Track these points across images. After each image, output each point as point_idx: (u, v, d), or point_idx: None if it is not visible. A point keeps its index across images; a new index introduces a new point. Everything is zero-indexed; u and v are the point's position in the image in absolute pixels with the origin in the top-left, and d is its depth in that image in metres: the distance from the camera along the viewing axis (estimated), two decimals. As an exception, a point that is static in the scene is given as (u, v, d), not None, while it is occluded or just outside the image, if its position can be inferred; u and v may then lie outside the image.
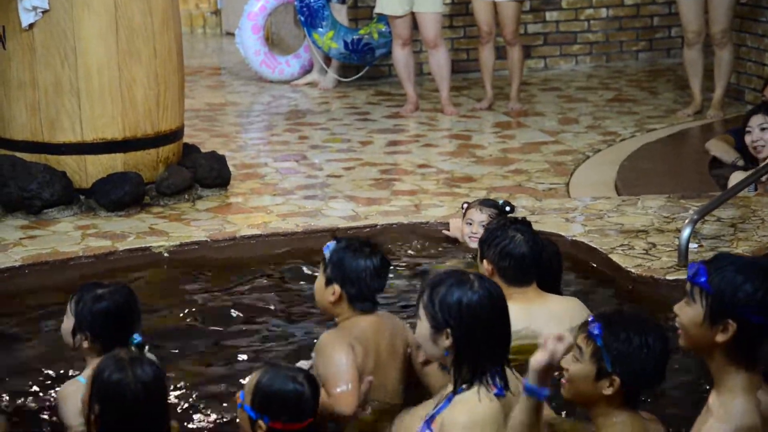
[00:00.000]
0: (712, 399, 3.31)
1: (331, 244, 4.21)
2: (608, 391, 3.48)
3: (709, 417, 3.28)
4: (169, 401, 4.23)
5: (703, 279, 3.29)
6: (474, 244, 5.70)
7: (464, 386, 3.55)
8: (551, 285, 4.79)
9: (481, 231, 5.63)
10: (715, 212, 6.12)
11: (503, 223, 4.84)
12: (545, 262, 4.76)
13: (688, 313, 3.33)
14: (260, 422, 3.43)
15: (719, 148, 7.52)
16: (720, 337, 3.25)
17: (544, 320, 4.65)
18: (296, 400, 3.41)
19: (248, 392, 3.48)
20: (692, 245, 5.56)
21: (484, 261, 4.70)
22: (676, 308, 3.38)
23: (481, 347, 3.56)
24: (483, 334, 3.56)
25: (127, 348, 3.65)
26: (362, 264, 4.10)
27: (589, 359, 3.50)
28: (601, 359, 3.49)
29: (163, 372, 3.50)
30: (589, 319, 3.57)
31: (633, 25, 11.61)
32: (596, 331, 3.51)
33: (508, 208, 5.66)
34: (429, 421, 3.57)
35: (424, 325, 3.61)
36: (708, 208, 5.84)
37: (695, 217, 5.59)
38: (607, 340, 3.49)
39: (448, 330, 3.56)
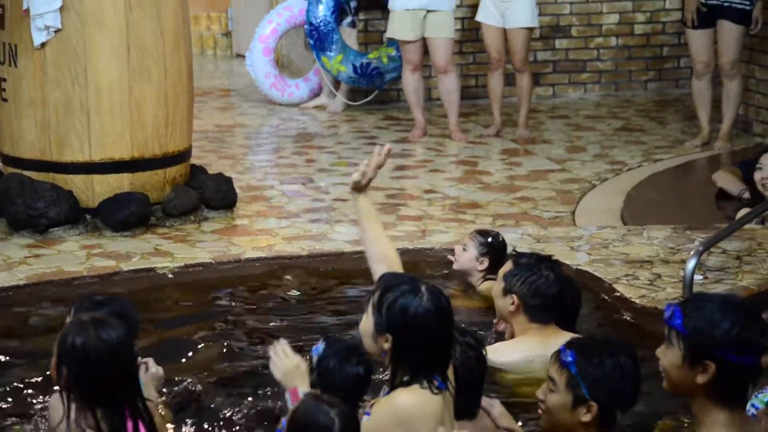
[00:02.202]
0: None
1: (320, 347, 4.14)
2: (586, 418, 3.50)
3: None
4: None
5: (678, 321, 3.28)
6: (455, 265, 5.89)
7: (405, 381, 3.58)
8: (568, 322, 4.80)
9: (463, 257, 5.79)
10: (720, 244, 6.09)
11: (534, 260, 4.86)
12: (567, 302, 4.78)
13: (668, 356, 3.32)
14: None
15: (726, 180, 7.50)
16: (700, 379, 3.24)
17: None
18: None
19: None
20: (697, 277, 5.51)
21: (513, 296, 4.72)
22: (658, 352, 3.38)
23: (419, 355, 3.58)
24: (423, 345, 3.58)
25: (90, 312, 3.66)
26: (348, 373, 4.01)
27: (564, 389, 3.52)
28: (577, 387, 3.50)
29: (128, 332, 3.49)
30: (560, 348, 3.59)
31: (642, 54, 11.61)
32: (569, 359, 3.53)
33: (488, 240, 5.77)
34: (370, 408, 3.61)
35: (368, 322, 3.65)
36: (714, 240, 5.81)
37: (701, 248, 5.55)
38: (581, 366, 3.51)
39: (389, 335, 3.59)
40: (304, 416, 3.38)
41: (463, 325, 4.62)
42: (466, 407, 3.83)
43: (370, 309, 3.67)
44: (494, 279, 5.12)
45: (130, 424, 3.42)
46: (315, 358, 4.09)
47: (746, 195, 7.20)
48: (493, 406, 4.11)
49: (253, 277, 6.23)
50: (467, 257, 5.80)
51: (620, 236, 6.63)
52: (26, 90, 6.78)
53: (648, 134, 9.75)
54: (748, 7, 8.75)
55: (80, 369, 3.38)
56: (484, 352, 4.10)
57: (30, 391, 4.77)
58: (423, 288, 3.64)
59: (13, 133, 6.91)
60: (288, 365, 3.68)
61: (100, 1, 6.66)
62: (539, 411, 3.62)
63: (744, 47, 9.09)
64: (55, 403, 3.98)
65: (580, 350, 3.55)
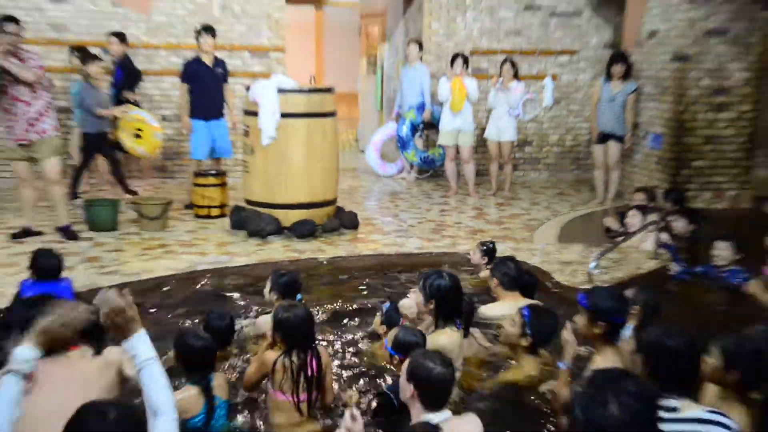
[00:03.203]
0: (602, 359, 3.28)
1: (388, 304, 4.01)
2: (525, 343, 3.52)
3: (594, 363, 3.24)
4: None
5: (584, 302, 3.27)
6: (472, 261, 5.77)
7: (441, 325, 3.58)
8: (530, 294, 4.78)
9: (474, 257, 5.72)
10: (608, 255, 6.07)
11: (504, 258, 4.86)
12: (528, 284, 4.74)
13: (579, 320, 3.30)
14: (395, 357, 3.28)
15: (611, 222, 7.45)
16: (597, 330, 3.24)
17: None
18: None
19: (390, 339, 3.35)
20: (596, 271, 5.55)
21: (494, 279, 4.71)
22: (575, 318, 3.32)
23: (448, 308, 3.59)
24: (450, 302, 3.59)
25: (290, 299, 3.65)
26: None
27: (519, 326, 3.52)
28: (525, 327, 3.50)
29: (311, 312, 3.42)
30: (523, 307, 3.58)
31: (570, 156, 11.49)
32: (525, 313, 3.53)
33: (485, 247, 5.70)
34: None
35: (419, 298, 3.64)
36: (604, 253, 5.84)
37: (598, 256, 5.58)
38: (531, 319, 3.51)
39: (432, 301, 3.60)
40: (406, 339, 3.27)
41: (468, 292, 4.62)
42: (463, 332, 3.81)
43: (418, 291, 3.67)
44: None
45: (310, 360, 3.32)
46: (384, 310, 4.04)
47: (622, 230, 7.16)
48: (476, 330, 4.11)
49: (369, 265, 6.18)
50: (476, 257, 5.78)
51: (557, 249, 6.59)
52: (257, 167, 6.86)
53: (572, 197, 9.61)
54: (623, 134, 8.71)
55: (286, 332, 3.30)
56: (475, 305, 4.11)
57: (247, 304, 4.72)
58: (444, 273, 3.67)
59: (251, 189, 6.99)
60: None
61: (293, 125, 6.71)
62: (501, 332, 3.61)
63: (622, 155, 9.02)
64: (264, 320, 3.95)
65: (533, 311, 3.55)
